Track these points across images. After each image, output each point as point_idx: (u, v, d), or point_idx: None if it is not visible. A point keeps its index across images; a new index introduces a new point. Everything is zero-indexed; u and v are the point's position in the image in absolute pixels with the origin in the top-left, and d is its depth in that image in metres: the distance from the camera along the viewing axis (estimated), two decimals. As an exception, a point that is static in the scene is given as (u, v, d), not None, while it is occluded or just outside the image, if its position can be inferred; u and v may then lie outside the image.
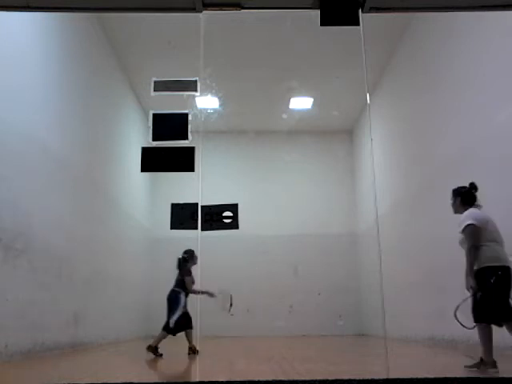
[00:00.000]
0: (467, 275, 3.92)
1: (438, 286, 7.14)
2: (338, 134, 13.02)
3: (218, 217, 3.23)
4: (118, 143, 9.93)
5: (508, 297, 3.77)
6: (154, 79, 3.41)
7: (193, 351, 5.82)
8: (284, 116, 11.56)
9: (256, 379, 2.62)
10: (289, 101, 11.02)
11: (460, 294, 6.30)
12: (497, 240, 3.93)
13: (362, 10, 3.31)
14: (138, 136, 10.80)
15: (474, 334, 5.86)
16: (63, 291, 6.57)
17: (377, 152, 10.00)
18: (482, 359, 3.82)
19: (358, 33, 3.43)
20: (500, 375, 3.36)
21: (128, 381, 2.71)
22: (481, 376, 2.72)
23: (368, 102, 7.07)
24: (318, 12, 3.31)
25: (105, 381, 3.97)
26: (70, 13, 4.86)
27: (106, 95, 9.10)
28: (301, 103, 11.28)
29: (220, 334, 9.80)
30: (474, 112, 6.07)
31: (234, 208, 3.27)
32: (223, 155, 11.92)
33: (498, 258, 3.83)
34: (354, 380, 2.64)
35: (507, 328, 3.81)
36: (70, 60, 7.26)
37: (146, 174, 11.68)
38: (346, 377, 2.67)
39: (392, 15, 3.87)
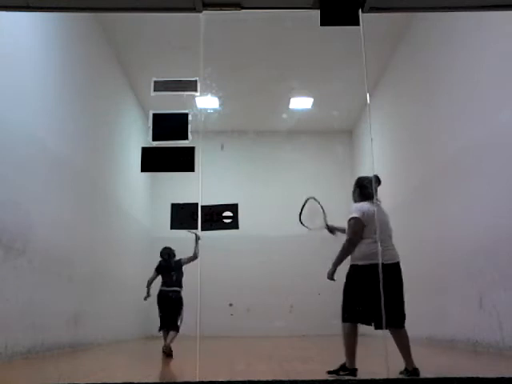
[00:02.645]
0: (333, 265, 3.78)
1: (437, 286, 7.14)
2: (338, 133, 13.00)
3: (218, 217, 3.23)
4: (118, 143, 9.93)
5: (378, 297, 3.49)
6: (154, 79, 3.40)
7: (169, 353, 5.80)
8: (284, 116, 11.55)
9: (256, 379, 2.62)
10: (289, 101, 11.01)
11: (460, 294, 6.31)
12: (380, 235, 3.71)
13: (362, 10, 3.31)
14: (137, 136, 10.79)
15: (474, 334, 5.88)
16: (63, 291, 6.57)
17: (377, 152, 9.99)
18: (344, 364, 3.56)
19: (358, 33, 3.43)
20: (500, 375, 3.35)
21: (128, 381, 2.71)
22: (480, 376, 2.72)
23: (368, 102, 7.06)
24: (318, 12, 3.31)
25: (105, 381, 3.97)
26: (70, 13, 4.86)
27: (105, 95, 9.09)
28: (301, 103, 11.27)
29: (220, 334, 9.80)
30: (474, 112, 6.07)
31: (234, 208, 3.27)
32: (223, 155, 11.91)
33: (368, 256, 3.63)
34: (354, 380, 2.64)
35: (391, 333, 3.61)
36: (70, 60, 7.26)
37: (146, 174, 11.67)
38: (345, 377, 2.67)
39: (392, 15, 3.88)
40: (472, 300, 5.86)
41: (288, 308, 11.35)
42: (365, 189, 3.95)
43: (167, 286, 6.18)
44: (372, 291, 3.50)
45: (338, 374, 3.47)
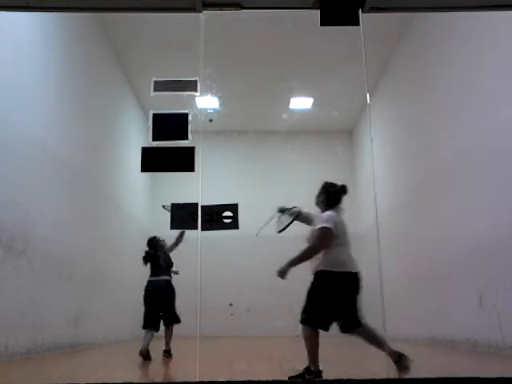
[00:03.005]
0: (288, 265, 3.84)
1: (438, 286, 7.15)
2: (337, 133, 13.01)
3: (218, 217, 3.23)
4: (117, 143, 9.93)
5: (347, 304, 3.56)
6: (154, 79, 3.41)
7: (168, 353, 5.67)
8: (284, 116, 11.55)
9: (256, 379, 2.62)
10: (289, 101, 11.01)
11: (460, 294, 6.31)
12: (346, 244, 3.74)
13: (362, 10, 3.31)
14: (137, 136, 10.79)
15: (474, 334, 5.87)
16: (63, 291, 6.57)
17: (377, 152, 10.00)
18: (308, 368, 3.51)
19: (358, 33, 3.43)
20: (500, 375, 3.36)
21: (128, 381, 2.71)
22: (480, 376, 2.72)
23: (368, 102, 7.07)
24: (318, 12, 3.31)
25: (105, 381, 3.97)
26: (70, 13, 4.85)
27: (105, 95, 9.10)
28: (301, 103, 11.27)
29: (220, 334, 9.80)
30: (474, 112, 6.07)
31: (233, 208, 3.27)
32: (223, 155, 11.91)
33: (342, 264, 3.63)
34: (354, 380, 2.64)
35: (358, 335, 3.60)
36: (70, 60, 7.26)
37: (146, 174, 11.68)
38: (345, 377, 2.67)
39: (392, 15, 3.87)
40: (472, 300, 5.86)
41: (288, 308, 11.34)
42: (332, 196, 3.89)
43: (156, 276, 5.88)
44: (343, 297, 3.56)
45: (303, 378, 3.42)
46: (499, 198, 5.34)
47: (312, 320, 3.65)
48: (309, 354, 3.57)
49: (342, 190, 3.91)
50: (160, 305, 5.77)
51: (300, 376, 3.44)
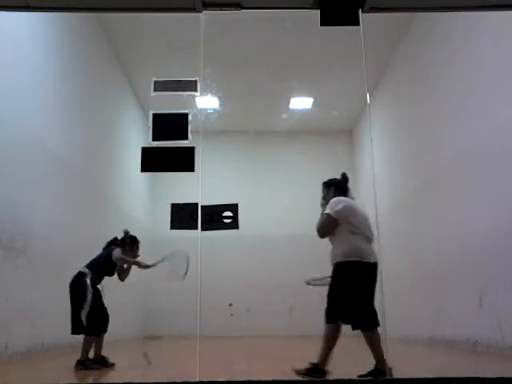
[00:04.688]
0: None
1: (438, 286, 7.15)
2: (338, 133, 13.01)
3: (218, 217, 3.23)
4: (117, 143, 9.93)
5: (366, 298, 3.44)
6: (154, 79, 3.41)
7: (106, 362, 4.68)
8: (284, 116, 11.55)
9: (256, 379, 2.62)
10: (289, 101, 11.01)
11: (460, 294, 6.31)
12: (364, 233, 3.65)
13: (362, 10, 3.31)
14: (138, 136, 10.79)
15: (474, 334, 5.87)
16: (63, 291, 6.56)
17: (377, 152, 10.00)
18: (316, 363, 3.45)
19: (358, 33, 3.43)
20: (500, 375, 3.36)
21: (128, 381, 2.71)
22: (480, 376, 2.72)
23: (368, 102, 7.06)
24: (318, 12, 3.31)
25: (105, 381, 3.97)
26: (70, 13, 4.85)
27: (105, 95, 9.10)
28: (301, 103, 11.27)
29: (220, 334, 9.80)
30: (474, 111, 6.07)
31: (233, 208, 3.27)
32: (223, 155, 11.91)
33: (360, 253, 3.54)
34: (354, 380, 2.64)
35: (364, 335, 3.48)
36: (70, 60, 7.26)
37: (146, 174, 11.68)
38: (346, 377, 2.67)
39: (392, 15, 3.87)
40: (472, 300, 5.86)
41: (288, 308, 11.35)
42: (339, 186, 3.87)
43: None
44: (361, 289, 3.47)
45: (307, 374, 3.38)
46: (499, 197, 5.34)
47: (341, 315, 3.50)
48: (324, 351, 3.47)
49: (345, 178, 3.91)
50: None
51: (306, 372, 3.40)
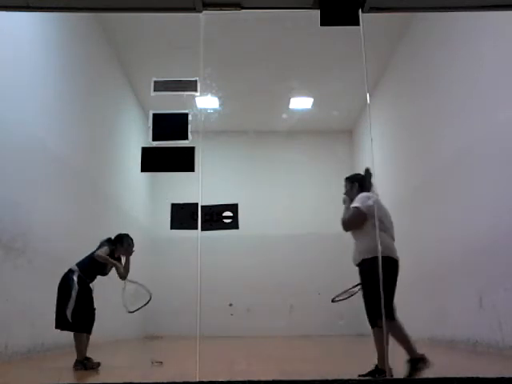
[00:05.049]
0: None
1: (438, 286, 7.15)
2: (338, 133, 13.01)
3: (218, 217, 3.23)
4: (117, 143, 9.93)
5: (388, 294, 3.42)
6: (154, 79, 3.40)
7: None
8: (284, 116, 11.55)
9: (256, 379, 2.62)
10: (289, 101, 11.02)
11: (460, 294, 6.31)
12: (388, 231, 3.68)
13: (362, 10, 3.31)
14: (138, 136, 10.79)
15: (474, 334, 5.88)
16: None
17: (377, 152, 10.00)
18: (376, 366, 3.42)
19: (358, 33, 3.43)
20: (500, 375, 3.36)
21: (128, 381, 2.71)
22: (480, 376, 2.71)
23: (368, 102, 7.05)
24: (318, 12, 3.30)
25: (105, 381, 3.97)
26: (70, 13, 4.85)
27: (105, 95, 9.10)
28: (301, 103, 11.28)
29: (220, 334, 9.80)
30: (474, 111, 6.07)
31: (233, 208, 3.27)
32: (223, 155, 11.92)
33: (389, 249, 3.57)
34: (354, 380, 2.64)
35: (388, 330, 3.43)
36: (70, 60, 7.27)
37: (146, 174, 11.68)
38: (346, 377, 2.67)
39: (392, 15, 3.87)
40: (472, 300, 5.86)
41: (288, 308, 11.35)
42: (364, 184, 3.85)
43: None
44: (386, 284, 3.43)
45: (373, 376, 3.34)
46: (499, 197, 5.34)
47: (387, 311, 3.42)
48: (406, 344, 3.42)
49: (369, 174, 3.89)
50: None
51: (370, 373, 3.37)
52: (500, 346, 5.23)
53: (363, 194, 3.74)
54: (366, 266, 3.60)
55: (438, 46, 7.24)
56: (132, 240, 5.10)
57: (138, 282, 4.91)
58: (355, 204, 3.68)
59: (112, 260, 4.85)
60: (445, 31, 6.90)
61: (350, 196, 3.86)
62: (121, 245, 5.00)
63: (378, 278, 3.40)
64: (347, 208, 3.82)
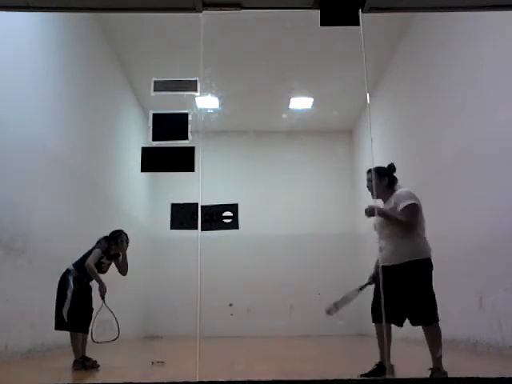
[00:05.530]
0: (381, 212, 3.54)
1: (437, 286, 7.14)
2: (338, 134, 13.02)
3: (218, 217, 3.23)
4: (117, 143, 9.93)
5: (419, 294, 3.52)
6: (154, 79, 3.40)
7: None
8: (284, 116, 11.56)
9: (256, 379, 2.62)
10: (289, 101, 11.02)
11: (460, 293, 6.31)
12: (424, 230, 3.69)
13: (362, 10, 3.31)
14: (138, 136, 10.79)
15: (474, 334, 5.87)
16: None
17: (377, 152, 9.99)
18: (380, 363, 3.47)
19: (358, 33, 3.42)
20: (500, 375, 3.35)
21: (128, 381, 2.71)
22: (480, 376, 2.71)
23: (368, 102, 7.06)
24: (318, 12, 3.30)
25: (105, 381, 3.97)
26: (70, 13, 4.85)
27: (105, 95, 9.10)
28: (301, 103, 11.28)
29: (220, 334, 9.80)
30: (473, 112, 6.07)
31: (233, 208, 3.27)
32: (223, 155, 11.92)
33: (429, 250, 3.67)
34: (354, 380, 2.64)
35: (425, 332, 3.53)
36: (70, 60, 7.27)
37: (146, 174, 11.68)
38: (346, 377, 2.67)
39: (392, 15, 3.87)
40: (472, 300, 5.86)
41: (288, 308, 11.35)
42: (392, 178, 3.85)
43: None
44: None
45: (376, 375, 3.37)
46: (499, 198, 5.34)
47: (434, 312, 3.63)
48: (437, 351, 3.45)
49: (394, 168, 3.93)
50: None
51: (372, 372, 3.38)
52: (500, 345, 5.23)
53: (406, 191, 3.70)
54: (419, 268, 3.68)
55: (437, 45, 7.24)
56: (126, 235, 5.12)
57: (113, 314, 4.90)
58: (411, 201, 3.61)
59: (96, 276, 4.81)
60: (445, 31, 6.90)
61: (377, 189, 3.77)
62: (115, 242, 5.02)
63: (431, 279, 3.62)
64: (387, 203, 3.70)
